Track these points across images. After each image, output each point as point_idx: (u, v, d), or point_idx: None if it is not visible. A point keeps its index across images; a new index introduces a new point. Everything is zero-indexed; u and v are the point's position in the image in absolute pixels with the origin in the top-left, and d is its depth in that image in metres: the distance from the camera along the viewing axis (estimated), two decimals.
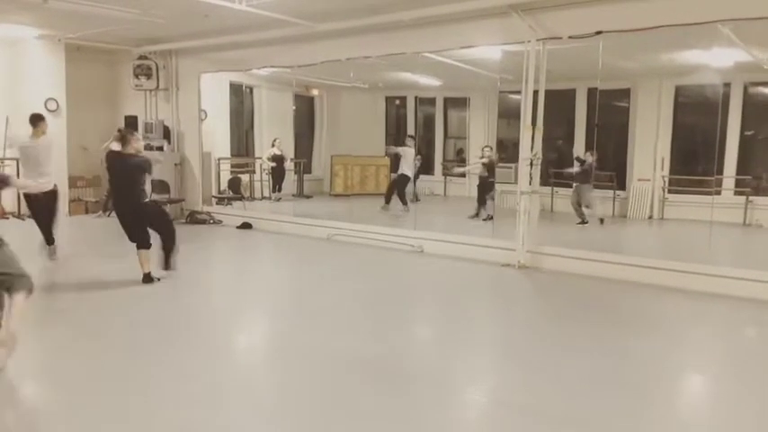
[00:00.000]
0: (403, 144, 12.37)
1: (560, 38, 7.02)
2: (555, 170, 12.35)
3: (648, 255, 7.43)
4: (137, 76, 11.04)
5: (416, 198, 12.85)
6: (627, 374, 4.12)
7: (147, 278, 6.15)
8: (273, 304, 6.02)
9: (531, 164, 7.28)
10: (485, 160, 11.26)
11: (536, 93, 7.25)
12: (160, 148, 10.86)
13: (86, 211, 11.33)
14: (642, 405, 3.62)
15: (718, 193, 11.33)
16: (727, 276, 6.20)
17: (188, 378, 3.86)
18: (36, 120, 7.10)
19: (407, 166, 11.88)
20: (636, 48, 9.28)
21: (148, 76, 10.98)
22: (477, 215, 11.12)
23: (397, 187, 11.83)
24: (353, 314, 5.50)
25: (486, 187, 11.13)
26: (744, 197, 11.14)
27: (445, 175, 15.63)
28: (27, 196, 7.38)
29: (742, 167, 11.61)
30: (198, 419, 3.30)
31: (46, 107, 10.38)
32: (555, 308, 5.99)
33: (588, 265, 6.99)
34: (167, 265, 6.28)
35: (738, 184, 11.51)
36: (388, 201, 11.82)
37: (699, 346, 4.99)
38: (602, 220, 11.05)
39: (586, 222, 10.87)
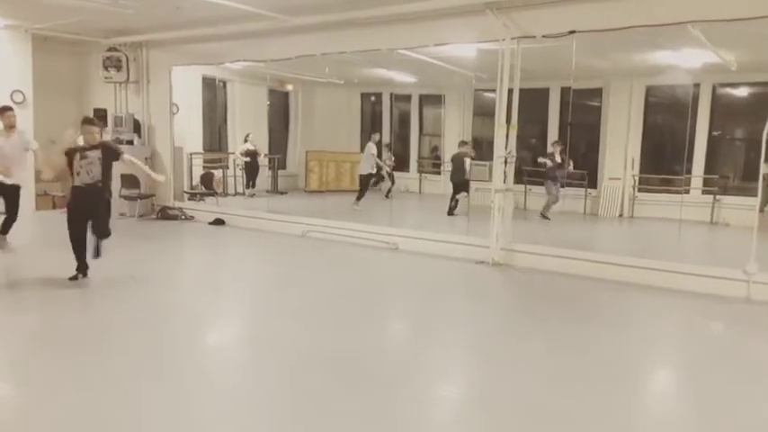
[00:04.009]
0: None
1: (534, 36, 7.06)
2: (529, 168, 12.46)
3: (619, 252, 7.53)
4: (106, 68, 10.80)
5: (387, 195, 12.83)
6: (597, 369, 4.16)
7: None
8: (245, 302, 5.95)
9: (506, 162, 7.31)
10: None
11: (510, 91, 7.29)
12: (130, 142, 10.65)
13: (54, 206, 11.06)
14: (611, 399, 3.67)
15: (687, 192, 11.56)
16: (695, 274, 6.31)
17: (156, 379, 3.78)
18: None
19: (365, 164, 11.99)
20: (608, 47, 9.40)
21: (118, 69, 10.76)
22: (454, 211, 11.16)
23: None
24: (326, 312, 5.45)
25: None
26: (711, 196, 11.38)
27: (420, 172, 15.66)
28: None
29: (710, 167, 11.86)
30: (167, 422, 3.23)
31: (12, 99, 10.09)
32: (527, 305, 6.04)
33: (561, 263, 7.06)
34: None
35: (706, 183, 11.75)
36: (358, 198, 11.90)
37: (666, 342, 5.08)
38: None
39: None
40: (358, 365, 4.10)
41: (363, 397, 3.60)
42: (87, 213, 5.96)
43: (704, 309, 5.88)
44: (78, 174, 5.85)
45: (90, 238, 6.02)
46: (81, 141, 10.20)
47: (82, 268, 6.04)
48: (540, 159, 11.20)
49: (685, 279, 6.31)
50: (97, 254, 6.14)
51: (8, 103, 10.05)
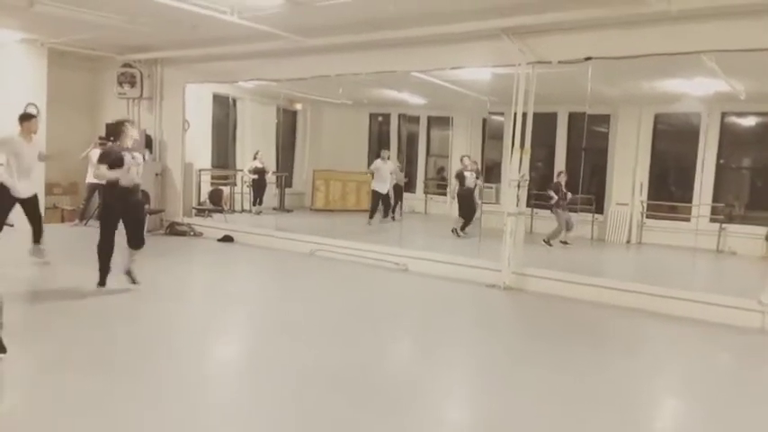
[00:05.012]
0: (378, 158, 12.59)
1: (550, 62, 7.12)
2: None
3: (630, 279, 7.49)
4: (120, 83, 10.88)
5: (392, 217, 12.90)
6: (610, 398, 4.13)
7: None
8: (254, 320, 5.90)
9: (519, 185, 7.33)
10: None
11: (524, 116, 7.31)
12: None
13: (62, 220, 11.07)
14: (620, 427, 3.64)
15: (697, 218, 11.59)
16: (709, 303, 6.29)
17: (159, 399, 3.72)
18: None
19: (379, 181, 12.02)
20: (620, 74, 9.48)
21: (132, 85, 10.83)
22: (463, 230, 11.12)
23: (371, 202, 12.06)
24: (334, 333, 5.40)
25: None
26: (717, 224, 11.39)
27: (426, 193, 15.70)
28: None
29: (715, 195, 11.89)
30: None
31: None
32: (539, 330, 6.01)
33: (573, 288, 7.03)
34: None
35: (713, 211, 11.77)
36: (371, 215, 11.96)
37: (676, 370, 5.05)
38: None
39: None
40: (365, 386, 4.07)
41: (368, 417, 3.57)
42: (131, 216, 6.04)
43: (720, 339, 5.83)
44: (129, 170, 5.89)
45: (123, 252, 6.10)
46: (94, 157, 10.28)
47: (105, 277, 6.06)
48: (550, 193, 11.16)
49: (699, 308, 6.28)
50: (132, 278, 6.21)
51: None
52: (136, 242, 6.15)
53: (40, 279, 6.90)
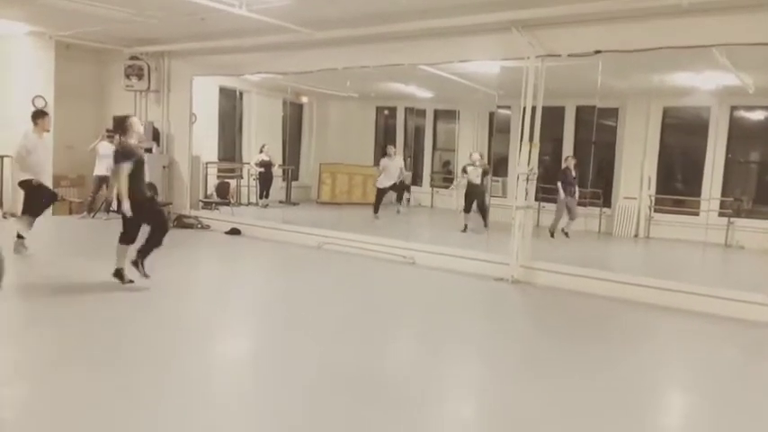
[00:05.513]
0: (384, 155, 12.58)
1: (559, 55, 7.08)
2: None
3: (638, 273, 7.48)
4: (128, 76, 10.90)
5: (398, 211, 12.91)
6: (615, 392, 4.12)
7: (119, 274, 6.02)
8: (260, 316, 5.87)
9: (527, 179, 7.31)
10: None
11: (533, 109, 7.28)
12: (149, 150, 10.70)
13: (70, 212, 11.11)
14: (628, 421, 3.65)
15: (706, 213, 11.55)
16: (720, 297, 6.26)
17: (164, 396, 3.70)
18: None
19: (386, 179, 12.01)
20: (628, 68, 9.43)
21: (140, 77, 10.85)
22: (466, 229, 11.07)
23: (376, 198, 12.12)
24: (342, 327, 5.38)
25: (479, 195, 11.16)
26: (725, 218, 11.34)
27: (432, 186, 15.69)
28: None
29: (724, 189, 11.84)
30: None
31: (33, 104, 10.18)
32: (550, 325, 6.00)
33: (581, 282, 7.02)
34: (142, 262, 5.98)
35: (722, 205, 11.73)
36: (375, 210, 11.94)
37: (686, 364, 5.04)
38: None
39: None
40: (372, 381, 4.07)
41: (375, 413, 3.57)
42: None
43: (730, 333, 5.80)
44: (143, 178, 5.91)
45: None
46: (101, 149, 10.34)
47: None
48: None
49: (709, 302, 6.25)
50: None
51: (30, 108, 10.18)
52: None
53: (50, 272, 6.92)
